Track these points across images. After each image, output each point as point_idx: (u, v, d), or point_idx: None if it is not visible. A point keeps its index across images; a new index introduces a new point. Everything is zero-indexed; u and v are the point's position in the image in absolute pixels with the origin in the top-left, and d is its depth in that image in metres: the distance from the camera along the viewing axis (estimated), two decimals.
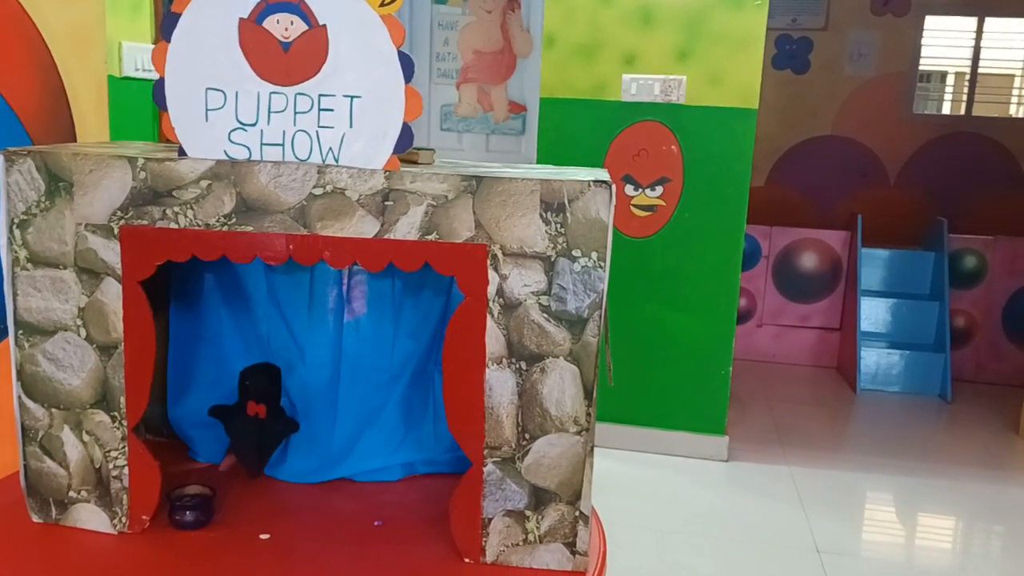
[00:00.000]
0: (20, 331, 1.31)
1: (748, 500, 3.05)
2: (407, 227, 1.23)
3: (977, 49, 5.38)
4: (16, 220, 1.28)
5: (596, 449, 1.31)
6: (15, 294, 1.30)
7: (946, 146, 5.36)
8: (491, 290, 1.23)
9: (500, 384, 1.26)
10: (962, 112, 5.47)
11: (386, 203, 1.23)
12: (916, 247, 4.90)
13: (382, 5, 1.18)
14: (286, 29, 1.20)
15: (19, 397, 1.33)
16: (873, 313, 4.66)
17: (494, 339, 1.24)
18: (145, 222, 1.25)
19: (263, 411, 1.49)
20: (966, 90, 5.49)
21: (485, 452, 1.28)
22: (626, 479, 3.15)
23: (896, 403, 4.32)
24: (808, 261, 4.82)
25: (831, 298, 4.81)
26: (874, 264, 4.77)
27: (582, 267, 1.22)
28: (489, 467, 1.28)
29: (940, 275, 4.58)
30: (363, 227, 1.23)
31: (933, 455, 3.63)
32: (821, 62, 5.38)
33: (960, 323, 4.63)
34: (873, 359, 4.48)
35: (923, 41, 5.33)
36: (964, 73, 5.63)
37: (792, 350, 4.86)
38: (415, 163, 1.35)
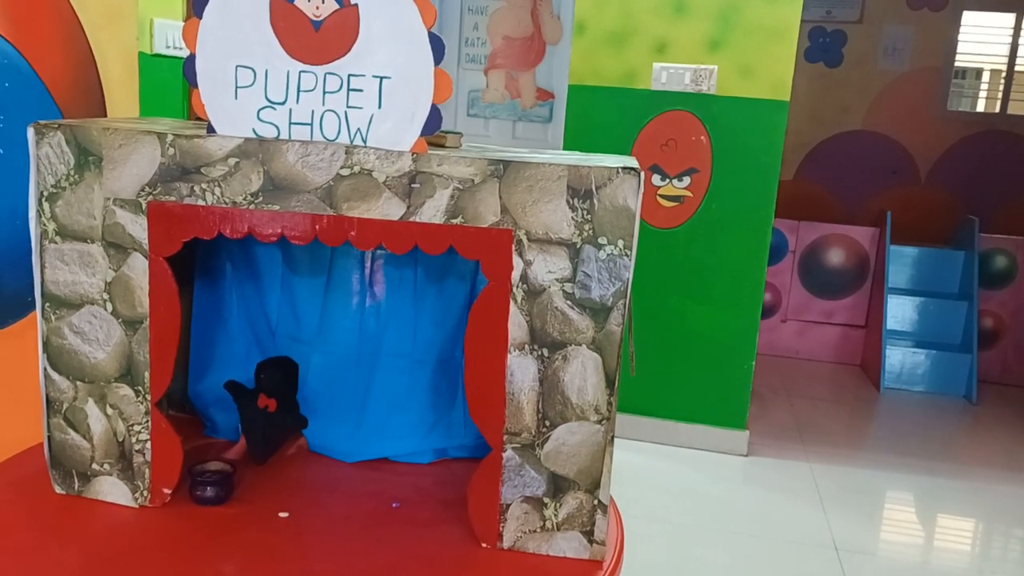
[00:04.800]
0: (47, 304, 1.32)
1: (767, 496, 3.04)
2: (433, 210, 1.22)
3: (1014, 46, 5.28)
4: (45, 193, 1.28)
5: (616, 440, 1.30)
6: (43, 267, 1.31)
7: (979, 144, 5.28)
8: (515, 275, 1.22)
9: (522, 370, 1.25)
10: (997, 110, 5.38)
11: (412, 185, 1.22)
12: (946, 246, 4.83)
13: None
14: (317, 8, 1.19)
15: (45, 369, 1.34)
16: (900, 311, 4.61)
17: (517, 325, 1.24)
18: (173, 198, 1.26)
19: (273, 405, 1.49)
20: (1001, 88, 5.40)
21: (505, 438, 1.27)
22: (645, 471, 3.14)
23: (920, 403, 4.27)
24: (835, 257, 4.77)
25: (857, 295, 4.76)
26: (902, 262, 4.71)
27: (608, 255, 1.21)
28: (508, 453, 1.28)
29: (969, 275, 4.52)
30: (389, 209, 1.23)
31: (956, 456, 3.59)
32: (854, 56, 5.31)
33: (988, 324, 4.57)
34: (898, 358, 4.43)
35: (959, 37, 5.24)
36: (1000, 70, 5.53)
37: (816, 346, 4.82)
38: (442, 146, 1.34)
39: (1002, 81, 5.43)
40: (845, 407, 4.17)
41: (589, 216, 1.20)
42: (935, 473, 3.35)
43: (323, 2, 1.19)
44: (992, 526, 3.04)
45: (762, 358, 4.47)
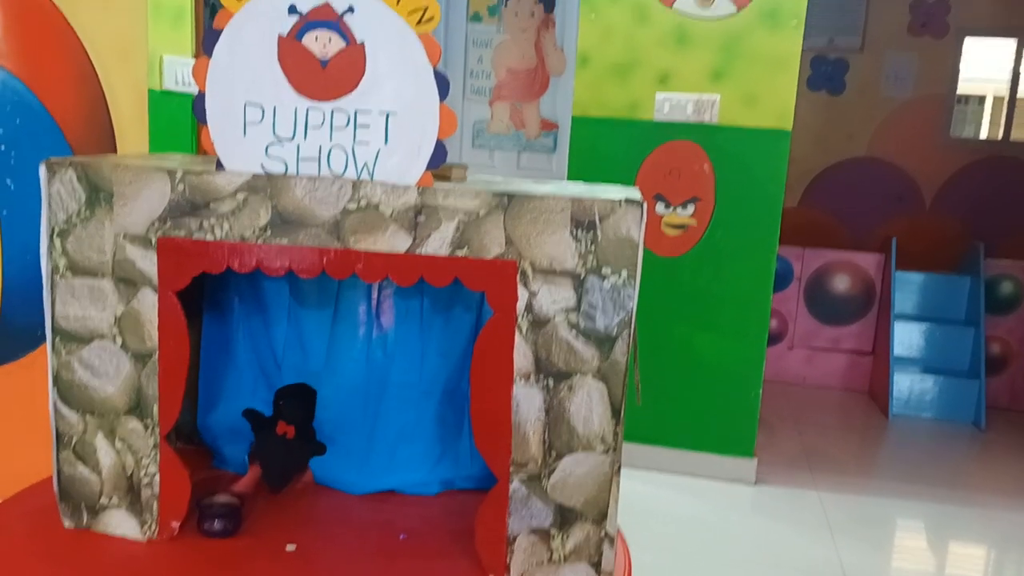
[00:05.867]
0: (57, 338, 1.33)
1: (775, 525, 3.02)
2: (438, 242, 1.24)
3: (1016, 72, 5.31)
4: (57, 229, 1.30)
5: (623, 469, 1.30)
6: (53, 301, 1.32)
7: (984, 170, 5.29)
8: (520, 306, 1.24)
9: (527, 401, 1.26)
10: (1000, 136, 5.40)
11: (418, 218, 1.24)
12: (952, 272, 4.83)
13: (419, 23, 1.19)
14: (324, 46, 1.22)
15: (54, 403, 1.35)
16: (907, 337, 4.60)
17: (522, 355, 1.25)
18: (182, 233, 1.27)
19: (292, 432, 1.50)
20: (1004, 114, 5.42)
21: (511, 469, 1.28)
22: (652, 500, 3.12)
23: (928, 429, 4.25)
24: (841, 284, 4.77)
25: (864, 321, 4.75)
26: (908, 288, 4.71)
27: (612, 285, 1.22)
28: (515, 484, 1.28)
29: (976, 300, 4.51)
30: (395, 242, 1.24)
31: (966, 483, 3.56)
32: (857, 83, 5.34)
33: (995, 350, 4.55)
34: (906, 384, 4.42)
35: (961, 63, 5.28)
36: (1002, 97, 5.56)
37: (823, 373, 4.81)
38: (448, 179, 1.36)
39: (1004, 107, 5.45)
40: (853, 434, 4.15)
41: (593, 247, 1.22)
42: (945, 501, 3.33)
43: (330, 40, 1.21)
44: (1004, 554, 3.01)
45: (769, 385, 4.46)
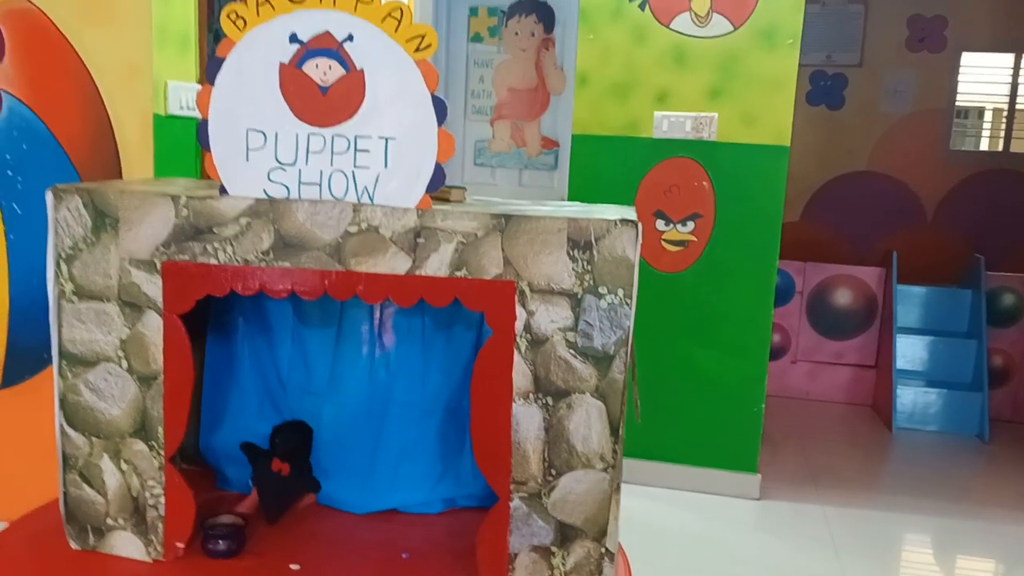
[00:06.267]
0: (64, 361, 1.35)
1: (780, 540, 3.02)
2: (438, 263, 1.26)
3: (1014, 85, 5.34)
4: (63, 254, 1.33)
5: (625, 486, 1.32)
6: (60, 325, 1.35)
7: (984, 183, 5.31)
8: (518, 326, 1.25)
9: (527, 419, 1.27)
10: (1000, 148, 5.42)
11: (418, 240, 1.26)
12: (953, 284, 4.84)
13: (417, 50, 1.22)
14: (325, 73, 1.24)
15: (61, 426, 1.37)
16: (909, 351, 4.60)
17: (521, 374, 1.26)
18: (186, 257, 1.30)
19: (286, 469, 1.52)
20: (1003, 126, 5.45)
21: (512, 487, 1.29)
22: (655, 516, 3.13)
23: (933, 443, 4.25)
24: (842, 298, 4.78)
25: (866, 335, 4.76)
26: (910, 301, 4.72)
27: (608, 304, 1.24)
28: (515, 502, 1.29)
29: (977, 313, 4.52)
30: (395, 263, 1.26)
31: (971, 497, 3.56)
32: (857, 99, 5.38)
33: (998, 362, 4.56)
34: (909, 397, 4.42)
35: (960, 77, 5.31)
36: (1002, 109, 5.59)
37: (827, 387, 4.81)
38: (447, 201, 1.38)
39: (1004, 120, 5.48)
40: (857, 448, 4.15)
41: (589, 267, 1.24)
42: (950, 514, 3.33)
43: (330, 68, 1.24)
44: (1012, 567, 3.01)
45: (773, 400, 4.46)
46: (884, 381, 4.54)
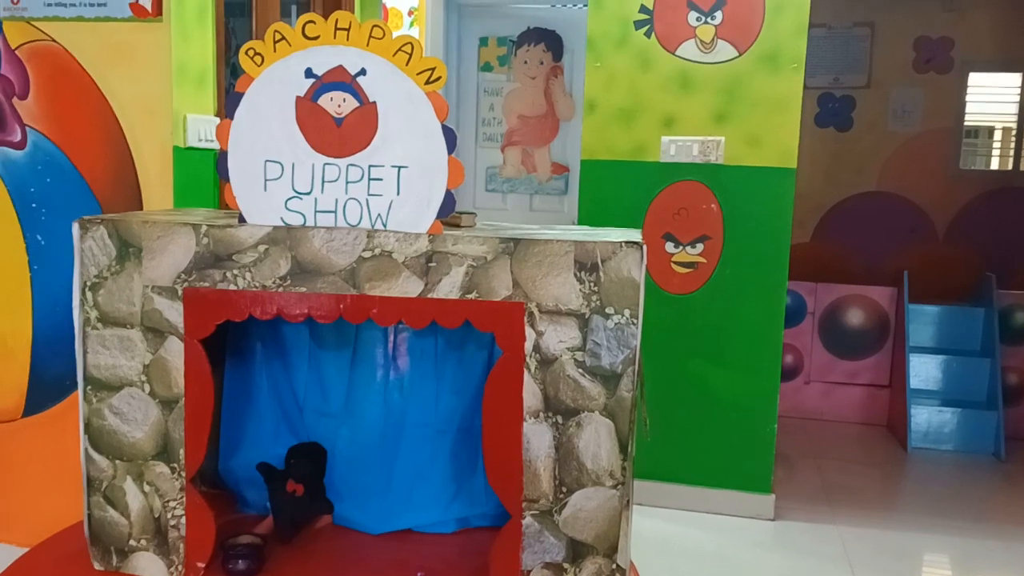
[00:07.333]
0: (89, 387, 1.40)
1: (795, 561, 3.01)
2: (449, 286, 1.30)
3: (1023, 105, 5.36)
4: (88, 283, 1.38)
5: (639, 507, 1.34)
6: (85, 352, 1.39)
7: (995, 201, 5.31)
8: (528, 346, 1.29)
9: (537, 438, 1.31)
10: (1010, 167, 5.43)
11: (430, 264, 1.30)
12: (965, 303, 4.84)
13: (427, 83, 1.27)
14: (339, 106, 1.29)
15: (86, 449, 1.41)
16: (923, 370, 4.59)
17: (531, 393, 1.30)
18: (207, 284, 1.34)
19: (300, 490, 1.55)
20: (1013, 145, 5.46)
21: (524, 505, 1.32)
22: (670, 538, 3.13)
23: (948, 462, 4.23)
24: (855, 317, 4.78)
25: (879, 355, 4.75)
26: (923, 320, 4.72)
27: (615, 324, 1.28)
28: (527, 520, 1.32)
29: (990, 331, 4.51)
30: (408, 287, 1.31)
31: (988, 515, 3.54)
32: (865, 119, 5.40)
33: (1012, 380, 4.53)
34: (924, 417, 4.40)
35: (967, 97, 5.33)
36: (1011, 129, 5.60)
37: (841, 407, 4.80)
38: (458, 226, 1.42)
39: (1013, 139, 5.49)
40: (873, 468, 4.13)
41: (596, 288, 1.27)
42: (967, 534, 3.31)
43: (344, 101, 1.29)
44: None
45: (787, 420, 4.46)
46: (898, 401, 4.53)
